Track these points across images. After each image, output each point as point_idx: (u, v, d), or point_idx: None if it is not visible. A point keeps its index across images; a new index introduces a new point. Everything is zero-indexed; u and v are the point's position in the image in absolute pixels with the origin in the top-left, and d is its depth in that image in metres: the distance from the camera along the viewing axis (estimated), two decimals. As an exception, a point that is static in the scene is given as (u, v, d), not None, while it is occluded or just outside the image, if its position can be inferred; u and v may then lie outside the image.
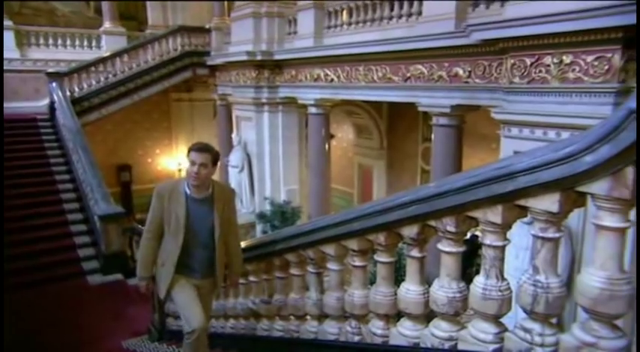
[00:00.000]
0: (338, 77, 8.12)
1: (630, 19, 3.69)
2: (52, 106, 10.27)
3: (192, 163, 2.84)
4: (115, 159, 14.01)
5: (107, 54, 11.88)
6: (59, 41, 12.97)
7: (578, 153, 1.43)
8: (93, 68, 11.26)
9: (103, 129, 12.43)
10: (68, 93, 10.47)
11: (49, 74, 10.57)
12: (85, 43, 13.32)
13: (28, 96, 11.52)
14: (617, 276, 1.43)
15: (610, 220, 1.43)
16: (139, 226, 8.57)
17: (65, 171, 8.87)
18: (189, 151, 2.92)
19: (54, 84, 10.30)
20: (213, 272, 3.11)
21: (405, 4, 6.76)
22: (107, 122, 12.07)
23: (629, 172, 1.36)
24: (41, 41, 12.75)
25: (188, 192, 2.96)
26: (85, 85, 11.05)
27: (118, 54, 11.71)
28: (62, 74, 10.66)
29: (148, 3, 14.65)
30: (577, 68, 4.22)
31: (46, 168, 8.82)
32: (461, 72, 5.90)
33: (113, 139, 13.79)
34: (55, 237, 7.46)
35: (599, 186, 1.43)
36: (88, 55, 12.52)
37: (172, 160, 14.96)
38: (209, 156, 2.90)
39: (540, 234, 1.62)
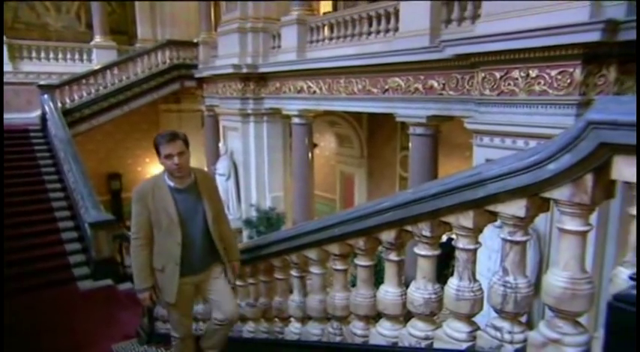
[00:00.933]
0: (320, 89, 8.15)
1: (589, 37, 3.79)
2: (43, 117, 10.12)
3: (169, 156, 2.56)
4: (105, 168, 13.83)
5: (98, 67, 11.75)
6: (51, 54, 12.85)
7: (542, 161, 1.46)
8: (84, 80, 11.13)
9: (93, 139, 12.28)
10: (59, 105, 10.32)
11: (40, 86, 10.42)
12: (77, 56, 13.21)
13: (20, 108, 11.34)
14: (578, 276, 1.46)
15: (572, 224, 1.46)
16: (129, 232, 8.49)
17: (56, 180, 8.73)
18: (158, 144, 2.60)
19: (45, 96, 10.16)
20: (214, 259, 2.85)
21: (383, 21, 6.83)
22: (98, 132, 11.93)
23: (589, 179, 1.39)
24: (33, 55, 12.62)
25: (171, 184, 2.68)
26: (76, 97, 10.91)
27: (108, 67, 11.59)
28: (54, 86, 10.53)
29: (137, 18, 14.55)
30: (542, 81, 4.30)
31: (37, 177, 8.67)
32: (436, 84, 5.96)
33: (104, 149, 13.62)
34: (45, 244, 7.32)
35: (561, 193, 1.46)
36: (80, 67, 12.43)
37: (161, 169, 14.81)
38: (182, 142, 2.62)
39: (509, 238, 1.65)
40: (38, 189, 8.39)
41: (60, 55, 12.97)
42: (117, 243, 7.34)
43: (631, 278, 1.16)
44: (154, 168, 14.85)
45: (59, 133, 9.08)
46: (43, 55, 12.75)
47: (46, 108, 9.99)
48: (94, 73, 11.38)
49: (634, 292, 1.15)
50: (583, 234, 1.48)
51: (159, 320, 4.78)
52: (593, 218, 3.21)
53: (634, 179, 1.28)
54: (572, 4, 3.91)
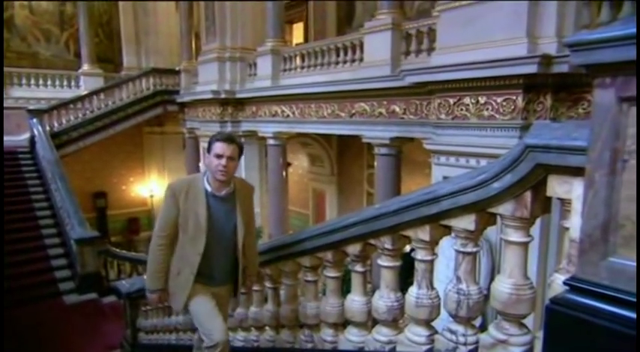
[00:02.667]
0: (293, 113, 8.18)
1: (527, 69, 3.93)
2: (32, 140, 9.90)
3: (219, 156, 2.22)
4: (91, 187, 13.48)
5: (85, 92, 11.60)
6: (40, 81, 12.59)
7: (488, 180, 1.50)
8: (72, 105, 10.97)
9: (80, 159, 11.98)
10: (48, 128, 10.14)
11: (30, 111, 10.26)
12: (65, 82, 12.96)
13: (10, 131, 10.99)
14: (521, 283, 1.50)
15: (515, 236, 1.51)
16: (113, 249, 8.30)
17: (44, 199, 8.49)
18: (212, 142, 2.27)
19: (34, 120, 9.99)
20: (232, 278, 2.48)
21: (349, 52, 6.92)
22: (85, 153, 11.65)
23: (528, 196, 1.45)
24: (23, 81, 12.36)
25: (209, 189, 2.31)
26: (64, 121, 10.73)
27: (95, 92, 11.46)
28: (42, 111, 10.36)
29: (123, 48, 14.42)
30: (490, 107, 4.41)
31: (25, 196, 8.42)
32: (397, 109, 6.04)
33: (90, 169, 13.29)
34: (32, 260, 7.09)
35: (505, 208, 1.51)
36: (68, 93, 12.20)
37: (145, 187, 14.57)
38: (236, 148, 2.28)
39: (461, 249, 1.68)
40: (25, 207, 8.14)
41: (49, 82, 12.71)
42: (102, 258, 7.16)
43: (565, 283, 1.20)
44: (138, 186, 14.59)
45: (47, 155, 8.88)
46: (32, 81, 12.49)
47: (35, 132, 9.80)
48: (81, 99, 11.23)
49: (568, 296, 1.19)
50: (525, 245, 1.52)
51: (141, 331, 4.65)
52: (536, 230, 3.30)
53: (566, 195, 1.34)
54: (513, 41, 4.06)
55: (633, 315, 1.02)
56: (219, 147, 2.24)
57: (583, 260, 1.16)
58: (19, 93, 12.16)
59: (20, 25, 13.61)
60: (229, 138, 2.29)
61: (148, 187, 14.44)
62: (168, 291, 2.45)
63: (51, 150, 9.06)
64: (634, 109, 1.03)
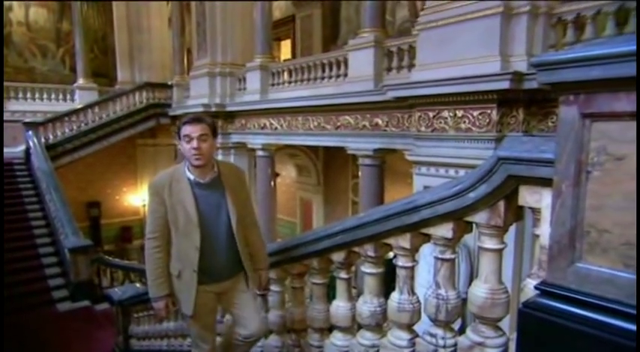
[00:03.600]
0: (281, 126, 8.19)
1: (500, 85, 4.00)
2: (27, 152, 9.76)
3: (189, 139, 1.98)
4: (85, 197, 13.25)
5: (80, 106, 11.48)
6: (36, 95, 12.44)
7: (464, 191, 1.52)
8: (67, 118, 10.83)
9: (75, 170, 11.79)
10: (43, 140, 10.03)
11: (26, 124, 10.14)
12: (60, 96, 12.82)
13: (6, 143, 10.80)
14: (496, 287, 1.52)
15: (490, 243, 1.53)
16: (106, 257, 8.18)
17: (38, 209, 8.35)
18: (180, 127, 2.03)
19: (30, 132, 9.87)
20: (239, 268, 2.19)
21: (334, 68, 6.98)
22: (79, 164, 11.49)
23: (501, 205, 1.47)
24: (20, 95, 12.18)
25: (191, 177, 2.06)
26: (59, 133, 10.60)
27: (89, 106, 11.34)
28: (38, 124, 10.25)
29: (118, 63, 14.30)
30: (467, 120, 4.47)
31: (20, 206, 8.27)
32: (380, 122, 6.10)
33: (84, 179, 13.08)
34: (27, 269, 6.95)
35: (480, 217, 1.52)
36: (63, 106, 12.05)
37: (137, 197, 14.40)
38: (206, 126, 2.02)
39: (440, 256, 1.69)
40: (20, 217, 8.00)
41: (45, 96, 12.56)
42: (95, 266, 7.05)
43: (536, 287, 1.22)
44: (131, 196, 14.41)
45: (42, 166, 8.76)
46: (29, 95, 12.33)
47: (30, 144, 9.69)
48: (76, 112, 11.11)
49: (539, 299, 1.21)
50: (499, 252, 1.54)
51: (133, 337, 4.57)
52: (511, 237, 3.33)
53: (536, 205, 1.36)
54: (487, 59, 4.14)
55: (598, 317, 1.04)
56: (186, 128, 2.00)
57: (552, 265, 1.18)
58: (15, 106, 11.99)
59: (17, 41, 13.49)
60: (196, 119, 2.04)
61: (141, 197, 14.29)
62: (175, 296, 2.17)
63: (46, 162, 8.94)
64: (595, 125, 1.06)
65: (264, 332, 2.38)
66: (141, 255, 13.55)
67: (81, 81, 13.09)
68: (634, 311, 1.00)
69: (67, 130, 10.73)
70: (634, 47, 0.94)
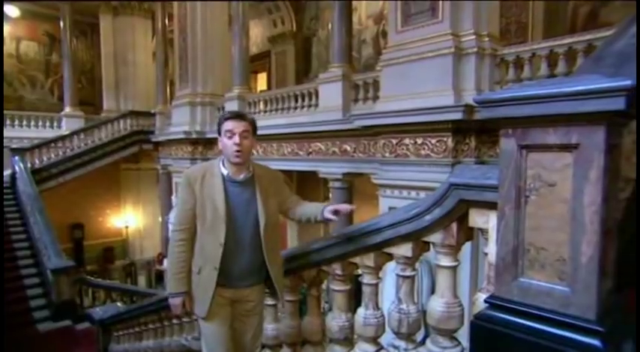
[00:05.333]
0: (257, 151, 8.16)
1: (454, 116, 4.12)
2: (13, 176, 9.39)
3: (231, 134, 1.82)
4: (69, 219, 12.75)
5: (66, 132, 11.20)
6: (24, 122, 12.03)
7: (421, 214, 1.55)
8: (53, 144, 10.55)
9: (60, 193, 11.36)
10: (29, 165, 9.69)
11: (12, 149, 9.77)
12: (47, 123, 12.44)
13: (-6, 169, 10.43)
14: (452, 301, 1.54)
15: (445, 261, 1.56)
16: (88, 277, 7.85)
17: (22, 231, 7.99)
18: (221, 123, 1.87)
19: (16, 157, 9.55)
20: (261, 278, 1.96)
21: (306, 98, 7.06)
22: (64, 188, 11.08)
23: (454, 227, 1.50)
24: (8, 122, 11.73)
25: (225, 172, 1.88)
26: (45, 158, 10.27)
27: (75, 132, 11.08)
28: (24, 149, 9.94)
29: (104, 93, 14.08)
30: (426, 147, 4.55)
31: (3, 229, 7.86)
32: (348, 148, 6.16)
33: (69, 202, 12.58)
34: (8, 290, 6.55)
35: (436, 237, 1.55)
36: (50, 133, 11.71)
37: (120, 219, 13.97)
38: (249, 124, 1.87)
39: (401, 273, 1.71)
40: (5, 240, 7.58)
41: (32, 123, 12.18)
42: (77, 287, 6.77)
43: (485, 301, 1.25)
44: (114, 218, 13.96)
45: (27, 190, 8.45)
46: (17, 122, 11.92)
47: (16, 168, 9.38)
48: (62, 138, 10.83)
49: (488, 312, 1.24)
50: (454, 269, 1.57)
51: (113, 357, 4.36)
52: (467, 255, 3.38)
53: (484, 226, 1.40)
54: (443, 92, 4.28)
55: (538, 326, 1.08)
56: (228, 124, 1.84)
57: (499, 280, 1.21)
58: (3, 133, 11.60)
59: (8, 72, 13.19)
60: (239, 115, 1.89)
61: (124, 219, 13.89)
62: (192, 295, 1.93)
63: (31, 185, 8.65)
64: (531, 155, 1.11)
65: None
66: (122, 274, 13.14)
67: (68, 109, 12.77)
68: (567, 320, 1.04)
69: (52, 156, 10.42)
70: (560, 89, 1.00)
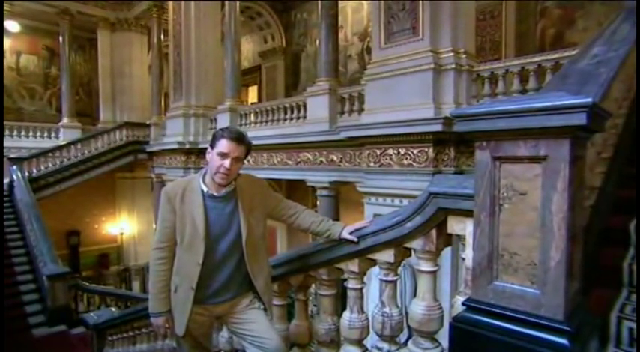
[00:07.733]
0: (247, 161, 8.12)
1: (434, 128, 4.15)
2: (11, 185, 9.19)
3: (223, 155, 1.66)
4: (65, 226, 12.48)
5: (64, 142, 11.03)
6: (23, 132, 11.80)
7: (402, 221, 1.56)
8: (50, 154, 10.33)
9: (56, 201, 11.12)
10: (27, 174, 9.50)
11: (11, 159, 9.59)
12: (45, 134, 12.21)
13: (-7, 177, 10.18)
14: (432, 304, 1.54)
15: (425, 266, 1.56)
16: (84, 283, 7.68)
17: (19, 238, 7.78)
18: (218, 138, 1.69)
19: (14, 167, 9.35)
20: (246, 288, 1.82)
21: (295, 111, 7.06)
22: (61, 196, 10.86)
23: (434, 233, 1.51)
24: (7, 132, 11.49)
25: (205, 189, 1.74)
26: (43, 167, 10.06)
27: (72, 142, 10.90)
28: (23, 159, 9.73)
29: (101, 104, 13.90)
30: (409, 157, 4.57)
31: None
32: (335, 158, 6.16)
33: (65, 210, 12.32)
34: (5, 296, 6.37)
35: (417, 243, 1.56)
36: (48, 143, 11.48)
37: (115, 226, 13.72)
38: (245, 149, 1.73)
39: (384, 278, 1.71)
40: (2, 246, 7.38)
41: (31, 133, 11.96)
42: (72, 292, 6.62)
43: (463, 303, 1.25)
44: (109, 225, 13.72)
45: (24, 198, 8.28)
46: (15, 132, 11.70)
47: (14, 177, 9.17)
48: (59, 148, 10.64)
49: (466, 314, 1.24)
50: (434, 273, 1.57)
51: (107, 361, 4.25)
52: (447, 260, 3.38)
53: (461, 232, 1.41)
54: (424, 105, 4.33)
55: (512, 327, 1.09)
56: (225, 145, 1.66)
57: (475, 284, 1.22)
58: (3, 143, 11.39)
59: (8, 84, 12.96)
60: (239, 137, 1.70)
61: (119, 226, 13.67)
62: (171, 313, 1.79)
63: (28, 194, 8.47)
64: (504, 166, 1.13)
65: (285, 349, 1.92)
66: (117, 280, 12.89)
67: (65, 120, 12.59)
68: (538, 320, 1.05)
69: (50, 165, 10.24)
70: (529, 105, 1.03)
